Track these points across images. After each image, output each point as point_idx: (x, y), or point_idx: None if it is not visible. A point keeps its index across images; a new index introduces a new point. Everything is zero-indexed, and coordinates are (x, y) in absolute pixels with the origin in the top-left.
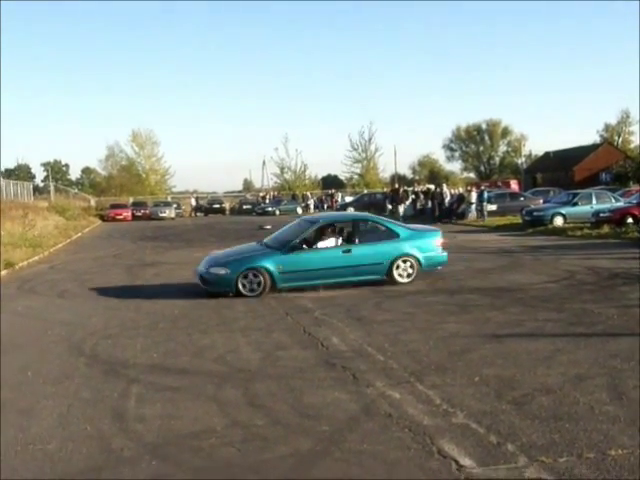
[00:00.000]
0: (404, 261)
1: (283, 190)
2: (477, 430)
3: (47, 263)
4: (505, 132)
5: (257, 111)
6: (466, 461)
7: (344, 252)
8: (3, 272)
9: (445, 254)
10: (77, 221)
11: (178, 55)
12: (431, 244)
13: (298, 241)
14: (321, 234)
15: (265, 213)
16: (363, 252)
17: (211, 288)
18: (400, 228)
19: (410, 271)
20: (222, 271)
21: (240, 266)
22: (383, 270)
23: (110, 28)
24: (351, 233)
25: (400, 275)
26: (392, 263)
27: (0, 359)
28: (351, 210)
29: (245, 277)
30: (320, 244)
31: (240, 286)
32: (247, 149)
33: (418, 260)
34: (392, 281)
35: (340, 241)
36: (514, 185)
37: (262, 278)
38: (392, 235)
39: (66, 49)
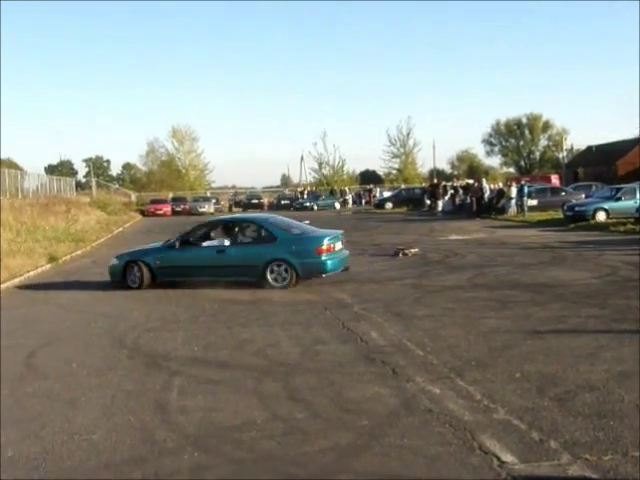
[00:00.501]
0: (278, 265)
1: (321, 185)
2: (519, 426)
3: (89, 257)
4: (546, 126)
5: (296, 106)
6: (508, 457)
7: (218, 252)
8: (47, 266)
9: (330, 261)
10: (118, 216)
11: (217, 50)
12: (310, 250)
13: (180, 238)
14: (209, 234)
15: (303, 208)
16: (238, 253)
17: (109, 276)
18: (280, 232)
19: (285, 275)
20: (115, 262)
21: (125, 258)
22: (257, 273)
23: (150, 23)
24: (234, 235)
25: (275, 280)
26: (266, 266)
27: (41, 350)
28: (389, 206)
29: (130, 268)
30: (205, 243)
31: (126, 276)
32: (285, 144)
33: (292, 265)
34: (267, 284)
35: (227, 242)
36: (555, 180)
37: (141, 271)
38: (270, 239)
39: (107, 45)
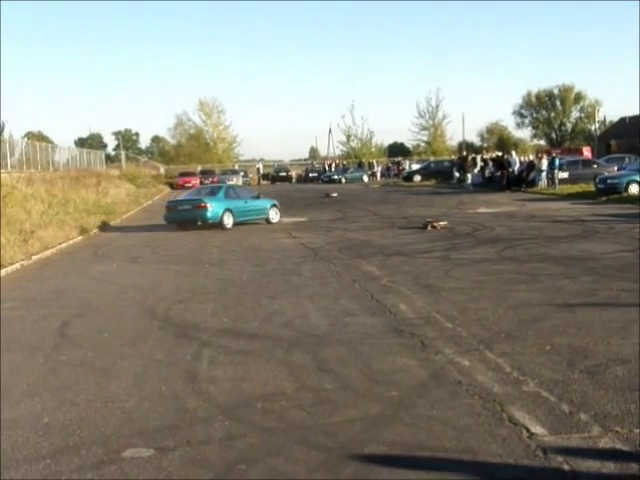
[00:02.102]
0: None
1: (349, 158)
2: (548, 399)
3: (119, 230)
4: (578, 97)
5: (324, 79)
6: (537, 429)
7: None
8: (79, 238)
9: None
10: (147, 189)
11: (245, 23)
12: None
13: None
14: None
15: (331, 181)
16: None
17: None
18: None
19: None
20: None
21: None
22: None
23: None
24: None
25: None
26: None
27: (74, 321)
28: (417, 178)
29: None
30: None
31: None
32: (314, 117)
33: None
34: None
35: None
36: (587, 152)
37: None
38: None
39: (136, 18)
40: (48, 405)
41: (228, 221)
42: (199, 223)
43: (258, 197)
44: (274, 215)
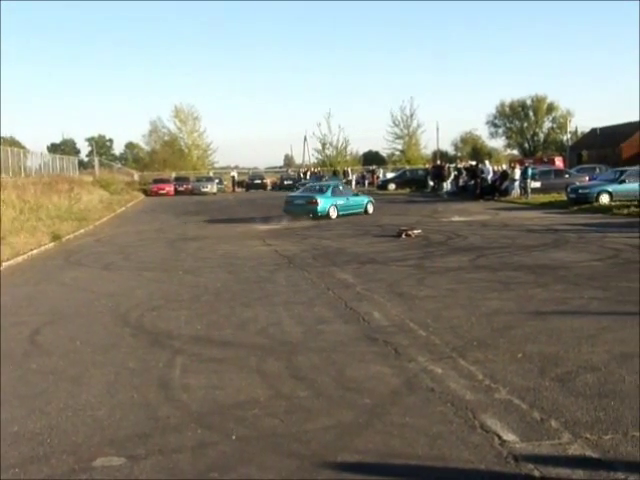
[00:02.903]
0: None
1: (324, 166)
2: (520, 406)
3: (92, 236)
4: (550, 108)
5: (299, 87)
6: (509, 436)
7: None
8: (50, 244)
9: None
10: (121, 195)
11: (220, 29)
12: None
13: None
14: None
15: None
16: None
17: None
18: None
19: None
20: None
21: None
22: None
23: (152, 2)
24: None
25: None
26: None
27: (45, 328)
28: (392, 187)
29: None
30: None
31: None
32: (289, 125)
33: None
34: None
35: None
36: (559, 162)
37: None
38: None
39: (110, 23)
40: (17, 414)
41: (333, 214)
42: (310, 216)
43: (357, 195)
44: (370, 208)
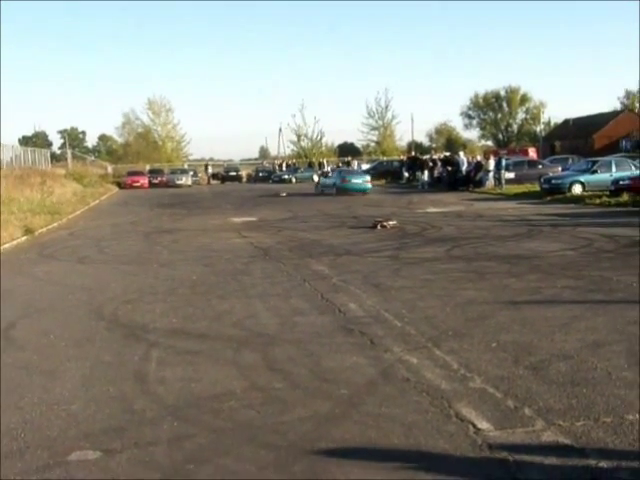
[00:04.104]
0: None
1: (299, 158)
2: (494, 394)
3: (66, 229)
4: (524, 99)
5: (274, 78)
6: (483, 424)
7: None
8: (23, 238)
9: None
10: (94, 188)
11: (193, 21)
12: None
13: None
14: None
15: (282, 181)
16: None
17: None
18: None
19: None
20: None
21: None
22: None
23: None
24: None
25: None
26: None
27: (19, 322)
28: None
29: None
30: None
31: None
32: (263, 116)
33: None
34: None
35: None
36: (532, 153)
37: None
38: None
39: (82, 15)
40: None
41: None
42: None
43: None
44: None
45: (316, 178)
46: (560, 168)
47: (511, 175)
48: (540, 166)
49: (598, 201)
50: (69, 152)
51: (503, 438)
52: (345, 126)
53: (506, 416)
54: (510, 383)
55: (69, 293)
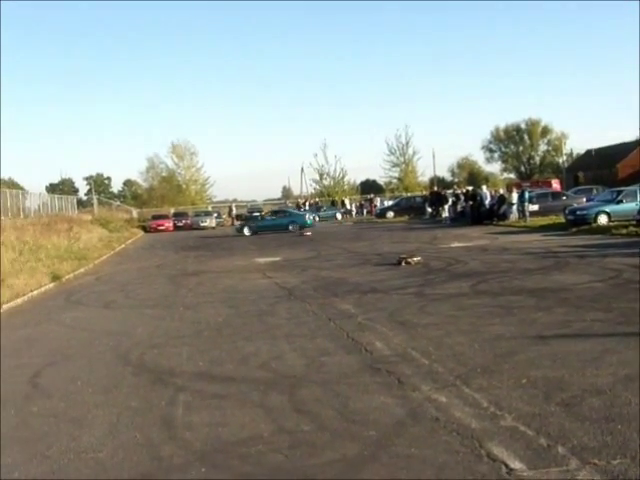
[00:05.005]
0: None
1: (322, 196)
2: (526, 433)
3: (93, 275)
4: (545, 131)
5: (294, 118)
6: (516, 464)
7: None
8: (51, 285)
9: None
10: (120, 233)
11: (214, 64)
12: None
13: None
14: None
15: None
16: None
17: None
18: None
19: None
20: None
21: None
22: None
23: (147, 37)
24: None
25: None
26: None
27: (46, 369)
28: (390, 215)
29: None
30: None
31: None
32: (286, 156)
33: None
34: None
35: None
36: (556, 184)
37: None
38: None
39: (105, 62)
40: (19, 458)
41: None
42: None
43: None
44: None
45: (339, 216)
46: (585, 199)
47: (535, 207)
48: (564, 197)
49: (625, 231)
50: (95, 198)
51: (537, 478)
52: (367, 163)
53: (539, 455)
54: (542, 420)
55: (96, 339)
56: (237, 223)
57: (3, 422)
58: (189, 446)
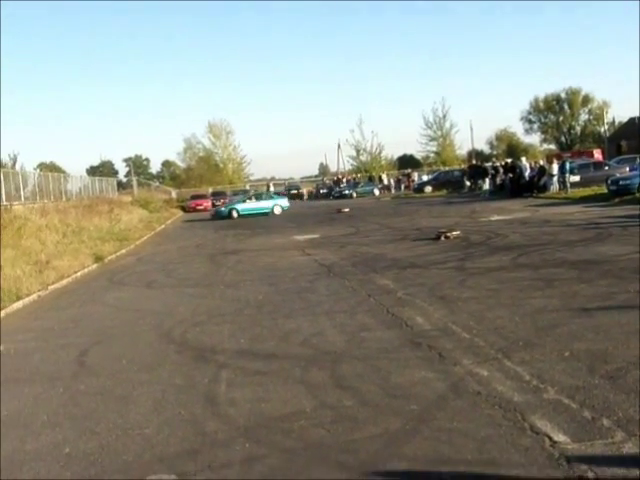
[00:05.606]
0: None
1: (359, 172)
2: (570, 405)
3: (134, 255)
4: (586, 100)
5: (331, 94)
6: (560, 437)
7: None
8: (94, 266)
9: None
10: (160, 213)
11: (249, 43)
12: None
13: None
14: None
15: (342, 197)
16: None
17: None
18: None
19: None
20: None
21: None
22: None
23: (184, 20)
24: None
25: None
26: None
27: (92, 349)
28: (428, 189)
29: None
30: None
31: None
32: (322, 133)
33: None
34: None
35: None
36: (597, 154)
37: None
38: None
39: (142, 44)
40: (69, 435)
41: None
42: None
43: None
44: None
45: (377, 192)
46: (628, 168)
47: (576, 178)
48: (606, 167)
49: None
50: (134, 179)
51: (581, 451)
52: (404, 138)
53: (583, 428)
54: (586, 393)
55: (139, 318)
56: None
57: (53, 400)
58: (232, 422)
